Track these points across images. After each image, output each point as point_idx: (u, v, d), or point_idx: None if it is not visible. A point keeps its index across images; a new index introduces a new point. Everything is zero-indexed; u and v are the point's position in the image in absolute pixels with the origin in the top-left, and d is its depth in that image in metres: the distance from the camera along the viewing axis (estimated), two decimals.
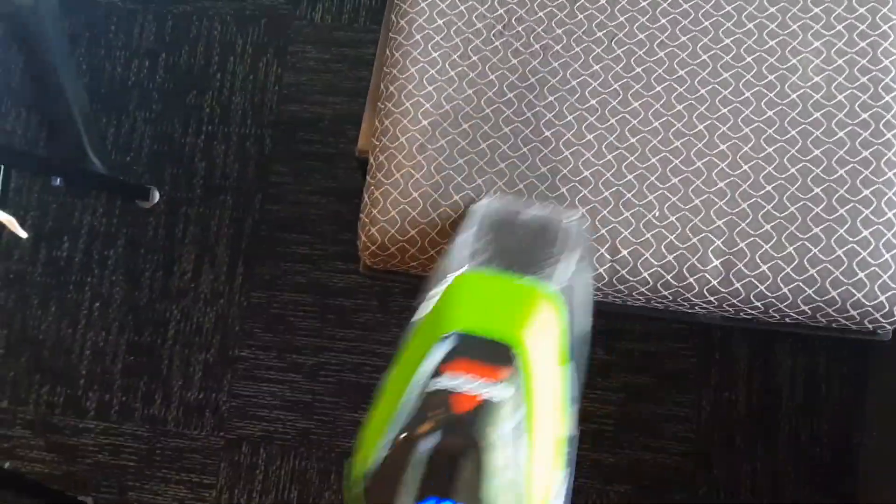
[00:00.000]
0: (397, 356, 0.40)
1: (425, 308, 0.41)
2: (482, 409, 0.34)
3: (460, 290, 0.41)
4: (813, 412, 0.99)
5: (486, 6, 0.64)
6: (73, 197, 1.16)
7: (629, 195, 0.59)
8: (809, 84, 0.59)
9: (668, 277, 0.58)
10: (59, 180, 1.16)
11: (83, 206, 1.16)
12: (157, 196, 1.14)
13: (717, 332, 1.02)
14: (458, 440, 0.33)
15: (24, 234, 0.59)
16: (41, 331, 1.13)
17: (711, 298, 0.59)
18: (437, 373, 0.35)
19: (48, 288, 1.14)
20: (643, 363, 1.02)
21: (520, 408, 0.35)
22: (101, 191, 1.16)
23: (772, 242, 0.57)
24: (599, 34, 0.63)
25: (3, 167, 0.99)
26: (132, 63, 1.19)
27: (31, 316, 1.13)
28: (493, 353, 0.36)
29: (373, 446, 0.35)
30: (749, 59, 0.60)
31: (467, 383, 0.35)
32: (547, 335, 0.38)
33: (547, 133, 0.61)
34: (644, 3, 0.63)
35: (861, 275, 0.56)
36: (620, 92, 0.61)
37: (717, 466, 0.99)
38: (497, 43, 0.63)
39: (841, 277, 0.56)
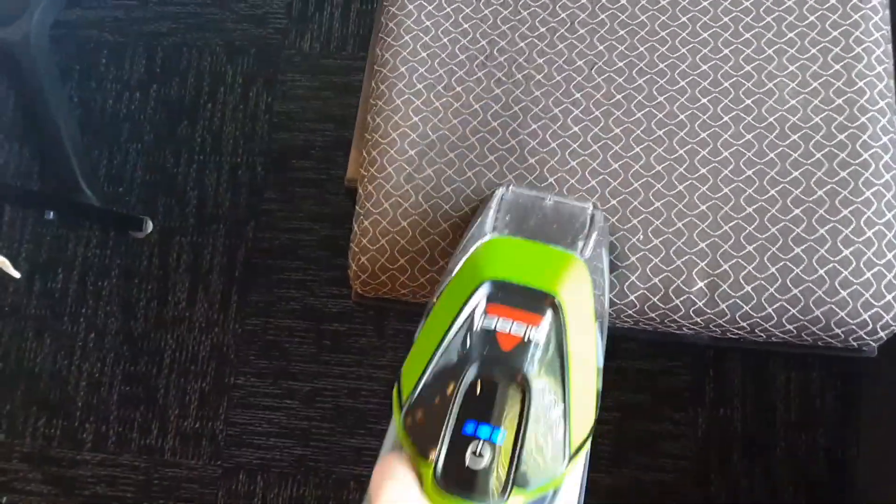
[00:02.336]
0: (429, 313, 0.40)
1: (450, 276, 0.41)
2: (524, 348, 0.35)
3: (491, 250, 0.42)
4: (808, 427, 0.99)
5: (468, 38, 0.66)
6: (66, 229, 1.17)
7: (613, 220, 0.60)
8: (786, 107, 0.60)
9: (655, 300, 0.59)
10: (52, 213, 1.16)
11: (77, 238, 1.16)
12: (150, 226, 1.15)
13: (711, 350, 1.02)
14: (499, 373, 0.34)
15: (17, 275, 0.60)
16: (36, 363, 1.13)
17: (698, 320, 0.59)
18: (477, 315, 0.36)
19: (43, 320, 1.14)
20: (638, 382, 1.02)
21: (559, 352, 0.36)
22: (94, 222, 1.16)
23: (754, 263, 0.58)
24: (580, 63, 0.64)
25: None
26: (123, 95, 1.20)
27: (27, 348, 1.14)
28: (530, 301, 0.37)
29: (412, 382, 0.35)
30: (726, 84, 0.62)
31: (509, 324, 0.36)
32: (580, 290, 0.39)
33: (531, 160, 0.62)
34: (622, 32, 0.64)
35: (843, 293, 0.57)
36: (602, 118, 0.62)
37: (714, 483, 0.99)
38: (480, 74, 0.65)
39: (824, 296, 0.57)
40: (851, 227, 0.57)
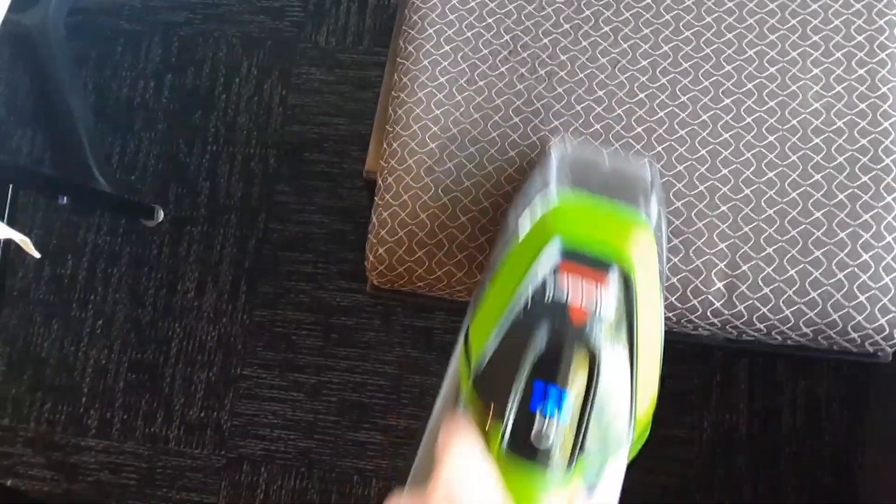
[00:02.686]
0: (495, 268, 0.40)
1: (523, 226, 0.41)
2: (594, 319, 0.35)
3: (560, 209, 0.41)
4: (814, 434, 0.99)
5: (492, 33, 0.66)
6: (77, 215, 1.17)
7: None
8: (809, 110, 0.60)
9: (673, 300, 0.59)
10: (64, 199, 1.16)
11: (88, 225, 1.16)
12: (161, 215, 1.15)
13: (718, 354, 1.02)
14: (569, 340, 0.34)
15: (37, 255, 0.60)
16: (44, 348, 1.13)
17: (715, 320, 0.59)
18: (549, 279, 0.36)
19: (51, 306, 1.14)
20: None
21: (628, 321, 0.35)
22: (105, 210, 1.17)
23: (774, 265, 0.58)
24: (603, 60, 0.64)
25: (10, 186, 0.99)
26: (138, 84, 1.21)
27: (34, 333, 1.14)
28: (600, 269, 0.36)
29: (481, 343, 0.35)
30: (750, 86, 0.62)
31: (580, 293, 0.36)
32: (648, 256, 0.39)
33: None
34: (647, 31, 0.64)
35: (861, 298, 0.57)
36: (624, 117, 0.62)
37: (718, 489, 0.99)
38: (503, 69, 0.65)
39: (842, 300, 0.57)
40: (872, 231, 0.57)
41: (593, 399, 0.33)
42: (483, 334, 0.36)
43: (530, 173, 0.54)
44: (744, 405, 1.01)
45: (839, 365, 1.00)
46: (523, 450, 0.32)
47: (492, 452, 0.32)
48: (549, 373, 0.33)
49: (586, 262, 0.37)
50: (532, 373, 0.33)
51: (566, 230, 0.38)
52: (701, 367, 1.02)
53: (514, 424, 0.32)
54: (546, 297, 0.36)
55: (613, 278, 0.36)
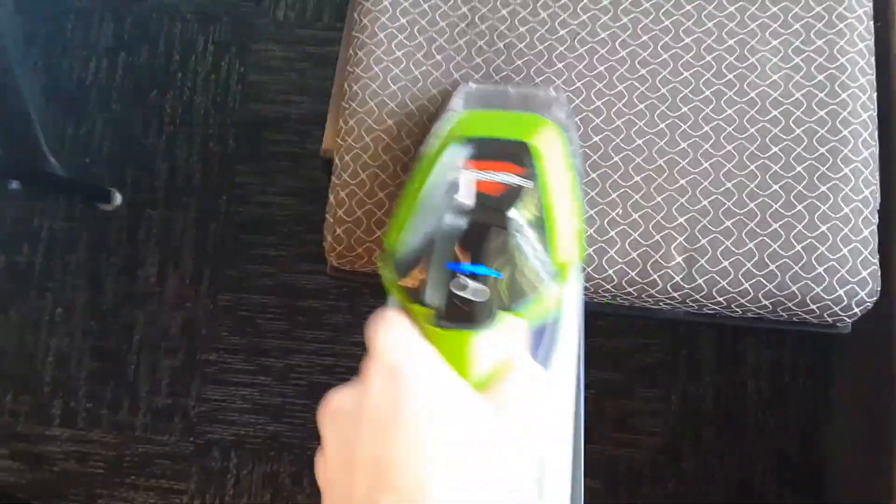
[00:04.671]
0: (411, 174, 0.41)
1: (431, 144, 0.42)
2: (509, 193, 0.36)
3: (466, 118, 0.43)
4: (779, 405, 1.01)
5: (448, 4, 0.64)
6: (31, 201, 1.13)
7: (592, 193, 0.59)
8: (768, 82, 0.60)
9: (633, 274, 0.59)
10: (16, 184, 1.13)
11: (42, 211, 1.13)
12: (118, 199, 1.12)
13: (684, 328, 1.03)
14: (487, 217, 0.35)
15: None
16: (2, 338, 1.10)
17: (675, 294, 0.59)
18: (455, 169, 0.38)
19: (9, 295, 1.11)
20: (612, 359, 1.03)
21: (540, 198, 0.37)
22: (60, 194, 1.13)
23: (732, 239, 0.58)
24: (562, 32, 0.63)
25: None
26: (90, 62, 1.16)
27: None
28: (508, 153, 0.38)
29: (396, 238, 0.36)
30: (709, 58, 0.61)
31: (488, 174, 0.37)
32: (554, 143, 0.40)
33: None
34: (606, 2, 0.63)
35: (820, 269, 0.57)
36: (584, 90, 0.61)
37: (685, 459, 1.00)
38: (461, 41, 0.63)
39: (800, 272, 0.57)
40: (829, 203, 0.57)
41: (512, 260, 0.34)
42: (397, 229, 0.37)
43: (437, 114, 0.56)
44: (710, 377, 1.02)
45: (804, 336, 1.01)
46: (452, 319, 0.32)
47: (423, 332, 0.32)
48: (468, 250, 0.34)
49: (492, 145, 0.38)
50: (452, 251, 0.34)
51: (469, 127, 0.40)
52: (667, 340, 1.03)
53: (439, 299, 0.33)
54: (453, 180, 0.37)
55: (519, 155, 0.38)
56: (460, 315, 0.32)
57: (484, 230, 0.35)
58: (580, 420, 0.37)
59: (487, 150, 0.38)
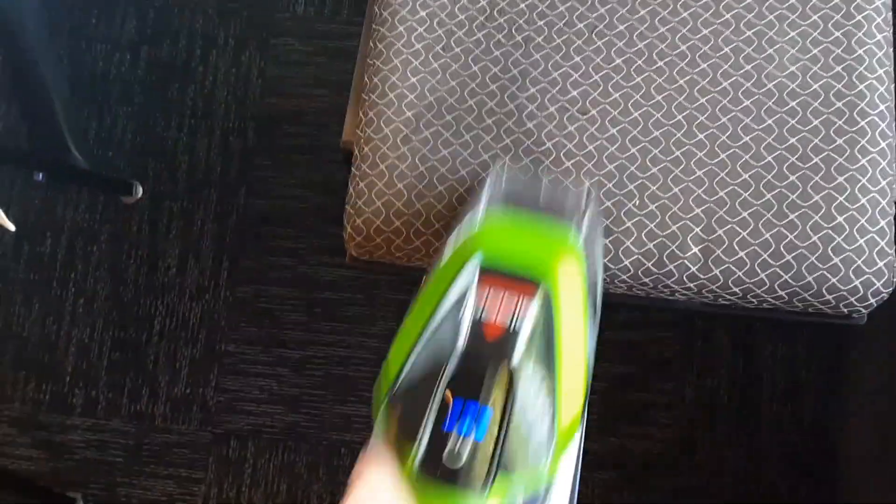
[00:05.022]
0: (422, 289, 0.39)
1: (447, 252, 0.40)
2: (511, 337, 0.34)
3: (486, 227, 0.40)
4: (793, 398, 1.01)
5: None
6: (55, 192, 1.15)
7: (609, 185, 0.60)
8: (785, 73, 0.60)
9: (649, 265, 0.59)
10: (41, 176, 1.15)
11: (65, 202, 1.15)
12: (140, 191, 1.14)
13: (699, 321, 1.03)
14: (486, 360, 0.33)
15: (12, 227, 0.59)
16: (25, 328, 1.12)
17: (691, 285, 0.60)
18: (469, 294, 0.35)
19: (31, 284, 1.13)
20: (627, 352, 1.03)
21: (548, 339, 0.35)
22: (83, 186, 1.15)
23: (749, 229, 0.58)
24: (580, 25, 0.63)
25: None
26: (113, 56, 1.18)
27: (15, 313, 1.13)
28: (521, 285, 0.36)
29: (399, 364, 0.35)
30: (727, 50, 0.61)
31: (497, 309, 0.35)
32: (573, 278, 0.38)
33: (529, 125, 0.62)
34: None
35: (836, 260, 0.57)
36: (601, 83, 0.62)
37: (699, 452, 1.01)
38: (479, 35, 0.64)
39: (816, 263, 0.57)
40: (846, 194, 0.58)
41: (511, 415, 0.32)
42: (400, 355, 0.35)
43: (470, 198, 0.53)
44: (724, 371, 1.03)
45: (818, 329, 1.01)
46: (437, 470, 0.31)
47: (405, 475, 0.31)
48: (466, 390, 0.32)
49: (507, 276, 0.36)
50: (449, 386, 0.32)
51: (488, 247, 0.38)
52: (682, 333, 1.03)
53: (427, 449, 0.31)
54: (461, 314, 0.35)
55: (534, 291, 0.35)
56: (451, 470, 0.31)
57: (487, 374, 0.33)
58: None
59: (504, 280, 0.36)
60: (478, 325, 0.34)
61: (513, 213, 0.44)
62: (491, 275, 0.36)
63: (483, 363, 0.33)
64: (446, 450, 0.31)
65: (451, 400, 0.32)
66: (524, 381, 0.33)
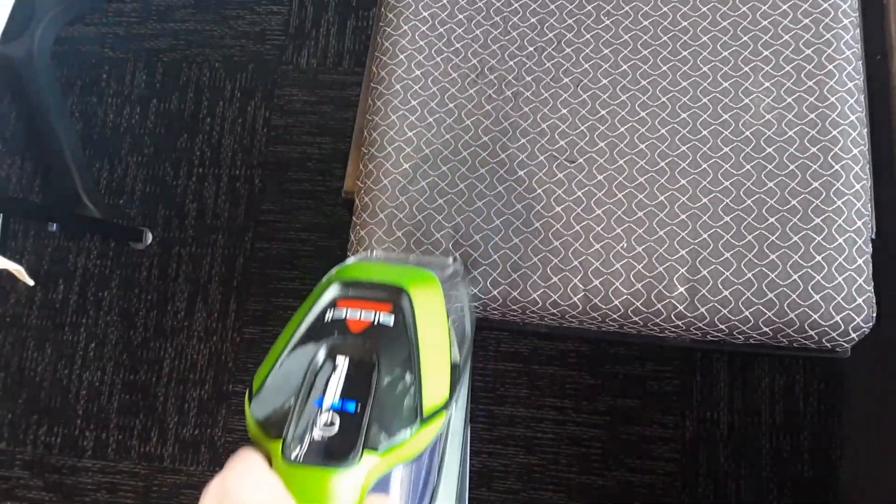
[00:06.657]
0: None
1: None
2: (373, 330, 0.36)
3: (353, 265, 0.43)
4: (792, 429, 1.02)
5: (460, 57, 0.69)
6: (67, 241, 1.19)
7: (598, 228, 0.63)
8: (762, 121, 0.64)
9: (638, 304, 0.62)
10: (54, 226, 1.18)
11: (78, 250, 1.19)
12: (149, 237, 1.17)
13: (698, 355, 1.05)
14: (348, 353, 0.35)
15: (31, 282, 0.62)
16: (38, 372, 1.15)
17: (679, 323, 0.62)
18: (328, 310, 0.37)
19: (44, 330, 1.16)
20: (628, 386, 1.05)
21: (408, 336, 0.37)
22: (95, 234, 1.19)
23: (732, 269, 0.61)
24: (566, 80, 0.67)
25: (1, 215, 1.02)
26: (124, 109, 1.23)
27: (28, 358, 1.15)
28: (379, 293, 0.38)
29: (263, 377, 0.36)
30: (705, 100, 0.65)
31: (358, 313, 0.37)
32: (431, 292, 0.40)
33: (521, 173, 0.65)
34: (606, 51, 0.67)
35: (816, 297, 0.60)
36: (587, 133, 0.65)
37: (702, 485, 1.02)
38: (472, 91, 0.68)
39: (798, 300, 0.60)
40: (823, 234, 0.61)
41: (374, 398, 0.34)
42: (264, 369, 0.37)
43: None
44: (724, 403, 1.04)
45: (814, 361, 1.03)
46: (305, 456, 0.32)
47: (276, 468, 0.32)
48: (330, 384, 0.34)
49: (365, 288, 0.38)
50: (313, 388, 0.34)
51: (347, 273, 0.40)
52: (681, 367, 1.05)
53: (293, 435, 0.33)
54: (325, 320, 0.37)
55: (392, 297, 0.38)
56: (320, 453, 0.32)
57: (351, 366, 0.35)
58: None
59: (361, 292, 0.38)
60: (342, 323, 0.37)
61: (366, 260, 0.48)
62: (350, 288, 0.38)
63: (347, 350, 0.35)
64: (316, 426, 0.33)
65: (319, 379, 0.34)
66: (385, 368, 0.35)
